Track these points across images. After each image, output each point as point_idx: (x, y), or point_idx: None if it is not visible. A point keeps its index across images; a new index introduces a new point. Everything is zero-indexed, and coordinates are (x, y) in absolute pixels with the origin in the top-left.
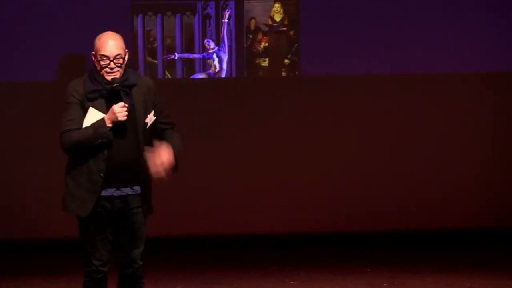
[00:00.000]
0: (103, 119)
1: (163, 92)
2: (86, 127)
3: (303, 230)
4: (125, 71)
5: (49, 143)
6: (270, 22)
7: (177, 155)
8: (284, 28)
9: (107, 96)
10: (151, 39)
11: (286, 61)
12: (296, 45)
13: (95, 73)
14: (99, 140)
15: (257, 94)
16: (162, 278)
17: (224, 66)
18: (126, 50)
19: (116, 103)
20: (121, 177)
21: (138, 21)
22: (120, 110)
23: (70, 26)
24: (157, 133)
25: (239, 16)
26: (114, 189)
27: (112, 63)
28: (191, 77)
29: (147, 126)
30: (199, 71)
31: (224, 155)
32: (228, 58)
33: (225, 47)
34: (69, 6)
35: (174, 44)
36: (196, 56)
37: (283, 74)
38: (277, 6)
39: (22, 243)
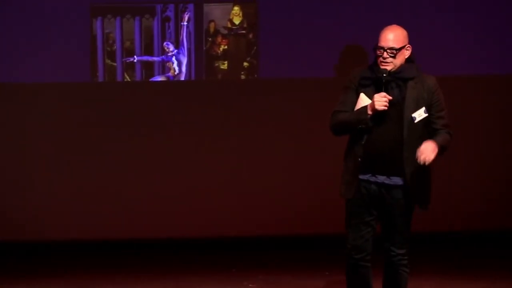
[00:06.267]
0: (366, 106)
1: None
2: (352, 112)
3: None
4: (404, 65)
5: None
6: (229, 25)
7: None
8: (243, 31)
9: (376, 85)
10: (110, 42)
11: (245, 64)
12: (255, 48)
13: (374, 62)
14: (359, 126)
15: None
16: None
17: (183, 69)
18: (408, 45)
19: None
20: (377, 164)
21: (98, 23)
22: (379, 99)
23: (30, 27)
24: (429, 132)
25: (199, 19)
26: (370, 174)
27: (385, 53)
28: (150, 80)
29: (415, 121)
30: (158, 74)
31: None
32: (187, 61)
33: (184, 50)
34: (30, 7)
35: (134, 46)
36: (155, 58)
37: (242, 77)
38: (236, 9)
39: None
